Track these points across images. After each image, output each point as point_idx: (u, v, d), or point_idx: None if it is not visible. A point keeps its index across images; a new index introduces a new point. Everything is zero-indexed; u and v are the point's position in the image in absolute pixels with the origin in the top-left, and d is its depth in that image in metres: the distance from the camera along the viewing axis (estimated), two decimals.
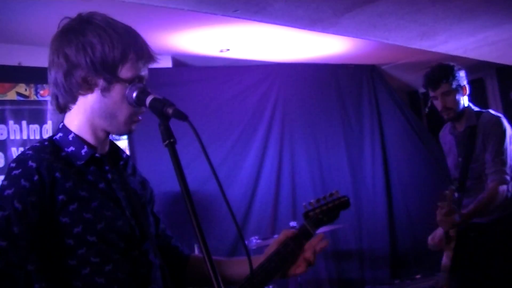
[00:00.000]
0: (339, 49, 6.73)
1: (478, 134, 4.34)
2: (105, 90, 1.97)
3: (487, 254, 4.33)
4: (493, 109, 7.85)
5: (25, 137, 5.22)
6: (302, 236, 2.36)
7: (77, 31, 1.97)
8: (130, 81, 2.00)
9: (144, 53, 2.05)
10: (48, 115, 5.37)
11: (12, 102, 5.20)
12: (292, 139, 6.97)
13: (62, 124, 2.06)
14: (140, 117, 2.06)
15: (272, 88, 6.95)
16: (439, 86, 4.36)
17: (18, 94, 5.25)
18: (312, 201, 2.50)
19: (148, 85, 2.04)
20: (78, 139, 2.01)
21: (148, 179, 6.00)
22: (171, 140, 1.80)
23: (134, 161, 5.75)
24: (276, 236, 5.39)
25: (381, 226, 7.32)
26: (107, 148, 2.13)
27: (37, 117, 5.32)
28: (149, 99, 1.91)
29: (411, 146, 7.69)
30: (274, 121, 6.87)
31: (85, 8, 4.71)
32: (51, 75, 2.01)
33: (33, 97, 5.32)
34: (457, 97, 4.36)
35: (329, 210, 2.48)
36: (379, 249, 7.23)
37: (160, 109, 1.84)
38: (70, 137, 2.02)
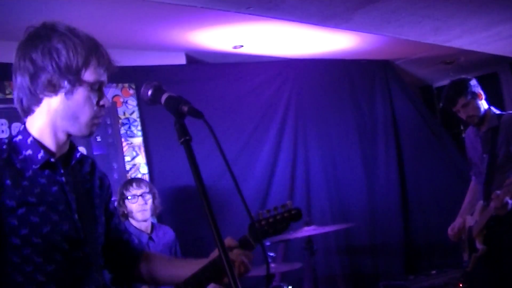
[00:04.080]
0: (352, 45, 6.72)
1: (500, 132, 4.84)
2: (69, 93, 2.07)
3: (506, 243, 4.76)
4: (507, 103, 7.88)
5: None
6: (242, 247, 2.35)
7: (43, 37, 2.07)
8: (92, 85, 2.11)
9: (104, 59, 2.15)
10: None
11: None
12: (306, 134, 6.97)
13: (23, 126, 2.15)
14: (101, 120, 2.18)
15: (286, 84, 6.95)
16: (457, 102, 4.91)
17: None
18: (261, 211, 2.42)
19: (162, 82, 2.07)
20: (36, 143, 2.10)
21: (163, 176, 6.03)
22: (187, 138, 1.84)
23: (149, 159, 5.79)
24: (291, 232, 5.43)
25: (395, 221, 7.31)
26: (65, 149, 2.21)
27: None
28: (164, 97, 1.95)
29: (425, 141, 7.66)
30: (288, 117, 6.86)
31: (89, 7, 4.73)
32: (17, 79, 2.10)
33: None
34: (475, 104, 4.88)
35: (277, 222, 2.42)
36: (393, 244, 7.23)
37: (175, 107, 1.89)
38: (29, 140, 2.11)
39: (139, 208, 4.79)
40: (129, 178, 5.46)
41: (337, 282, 6.82)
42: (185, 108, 1.86)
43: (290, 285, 5.20)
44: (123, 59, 6.26)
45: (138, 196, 4.80)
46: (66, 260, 2.06)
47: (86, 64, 2.07)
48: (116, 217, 2.47)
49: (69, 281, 2.08)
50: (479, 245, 4.77)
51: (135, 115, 5.81)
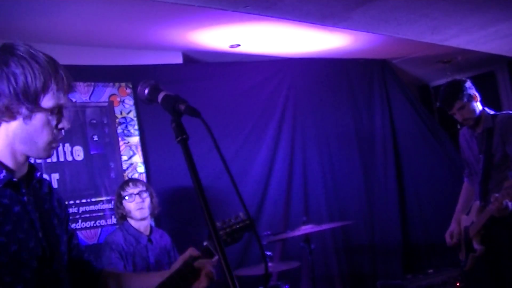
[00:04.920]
0: (349, 44, 6.71)
1: (495, 133, 4.84)
2: (26, 118, 2.05)
3: (503, 242, 4.79)
4: (504, 102, 7.89)
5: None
6: (204, 257, 2.42)
7: (0, 61, 2.04)
8: (51, 111, 2.08)
9: (64, 83, 2.11)
10: None
11: None
12: (304, 134, 6.96)
13: None
14: (59, 142, 2.20)
15: (283, 83, 6.94)
16: (453, 105, 4.90)
17: None
18: (217, 222, 2.54)
19: (159, 81, 2.07)
20: None
21: (160, 175, 6.04)
22: (184, 137, 1.84)
23: (146, 158, 5.78)
24: (289, 231, 5.42)
25: (393, 221, 7.31)
26: (25, 170, 2.18)
27: None
28: (161, 96, 1.94)
29: (422, 140, 7.66)
30: (285, 116, 6.86)
31: (86, 7, 4.72)
32: None
33: None
34: (471, 107, 4.88)
35: (233, 232, 2.58)
36: (391, 244, 7.23)
37: (172, 106, 1.88)
38: None
39: (137, 206, 4.79)
40: (126, 178, 5.47)
41: (335, 281, 6.82)
42: (182, 107, 1.85)
43: (288, 284, 5.19)
44: (120, 58, 6.29)
45: (135, 194, 4.80)
46: (35, 277, 2.04)
47: (44, 90, 2.05)
48: (75, 238, 2.46)
49: None
50: (476, 245, 4.78)
51: (132, 115, 5.80)
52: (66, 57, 5.47)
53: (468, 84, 4.96)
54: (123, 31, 5.45)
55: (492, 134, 4.86)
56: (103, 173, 5.57)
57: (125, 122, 5.76)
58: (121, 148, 5.70)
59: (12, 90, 2.00)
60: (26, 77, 2.01)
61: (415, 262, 7.32)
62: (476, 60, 7.88)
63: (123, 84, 5.78)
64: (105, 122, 5.66)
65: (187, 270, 2.35)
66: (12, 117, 2.04)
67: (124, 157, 5.69)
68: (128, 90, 5.80)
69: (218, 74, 6.55)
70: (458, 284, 5.81)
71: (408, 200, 7.57)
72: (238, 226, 2.57)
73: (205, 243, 2.46)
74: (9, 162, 2.10)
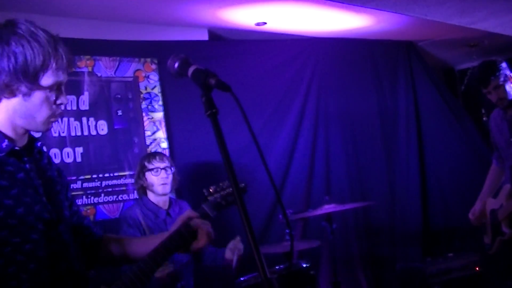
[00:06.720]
0: (375, 24, 6.67)
1: None
2: (26, 95, 2.16)
3: None
4: None
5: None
6: (202, 218, 2.54)
7: (2, 40, 2.12)
8: (50, 88, 2.18)
9: (63, 61, 2.20)
10: (85, 86, 5.41)
11: None
12: (327, 113, 6.93)
13: None
14: (58, 117, 2.30)
15: (308, 63, 6.91)
16: (489, 83, 4.83)
17: None
18: (211, 186, 2.69)
19: None
20: (0, 134, 2.19)
21: (183, 151, 6.06)
22: (214, 111, 1.86)
23: (169, 134, 5.81)
24: (310, 210, 5.42)
25: (414, 204, 7.29)
26: (25, 141, 2.30)
27: (74, 88, 5.35)
28: (191, 70, 1.95)
29: (446, 124, 7.61)
30: (309, 96, 6.83)
31: None
32: None
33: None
34: (506, 87, 4.82)
35: (228, 195, 2.67)
36: (411, 227, 7.21)
37: (203, 80, 1.91)
38: None
39: (161, 181, 4.76)
40: (150, 151, 5.50)
41: (355, 262, 6.82)
42: (213, 81, 1.87)
43: (308, 263, 5.20)
44: (146, 34, 6.30)
45: (161, 169, 4.78)
46: (43, 239, 2.16)
47: (44, 68, 2.14)
48: (75, 204, 2.56)
49: (48, 259, 2.15)
50: (505, 229, 4.74)
51: (157, 90, 5.82)
52: (91, 31, 5.54)
53: (504, 64, 4.91)
54: (150, 6, 5.46)
55: None
56: (127, 148, 5.60)
57: (150, 97, 5.78)
58: (145, 124, 5.72)
59: (12, 69, 2.10)
60: (25, 57, 2.10)
61: (435, 245, 7.30)
62: (502, 44, 7.80)
63: (148, 59, 5.79)
64: (130, 97, 5.68)
65: (186, 230, 2.47)
66: (12, 94, 2.15)
67: (148, 133, 5.72)
68: (153, 66, 5.81)
69: (244, 52, 6.54)
70: (477, 268, 5.80)
71: (429, 183, 7.53)
72: (231, 190, 2.63)
73: (203, 206, 2.60)
74: (10, 133, 2.21)
